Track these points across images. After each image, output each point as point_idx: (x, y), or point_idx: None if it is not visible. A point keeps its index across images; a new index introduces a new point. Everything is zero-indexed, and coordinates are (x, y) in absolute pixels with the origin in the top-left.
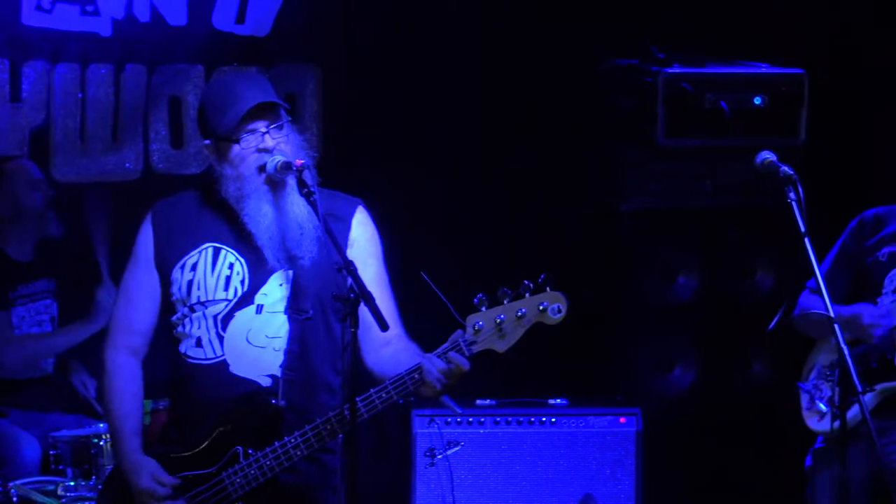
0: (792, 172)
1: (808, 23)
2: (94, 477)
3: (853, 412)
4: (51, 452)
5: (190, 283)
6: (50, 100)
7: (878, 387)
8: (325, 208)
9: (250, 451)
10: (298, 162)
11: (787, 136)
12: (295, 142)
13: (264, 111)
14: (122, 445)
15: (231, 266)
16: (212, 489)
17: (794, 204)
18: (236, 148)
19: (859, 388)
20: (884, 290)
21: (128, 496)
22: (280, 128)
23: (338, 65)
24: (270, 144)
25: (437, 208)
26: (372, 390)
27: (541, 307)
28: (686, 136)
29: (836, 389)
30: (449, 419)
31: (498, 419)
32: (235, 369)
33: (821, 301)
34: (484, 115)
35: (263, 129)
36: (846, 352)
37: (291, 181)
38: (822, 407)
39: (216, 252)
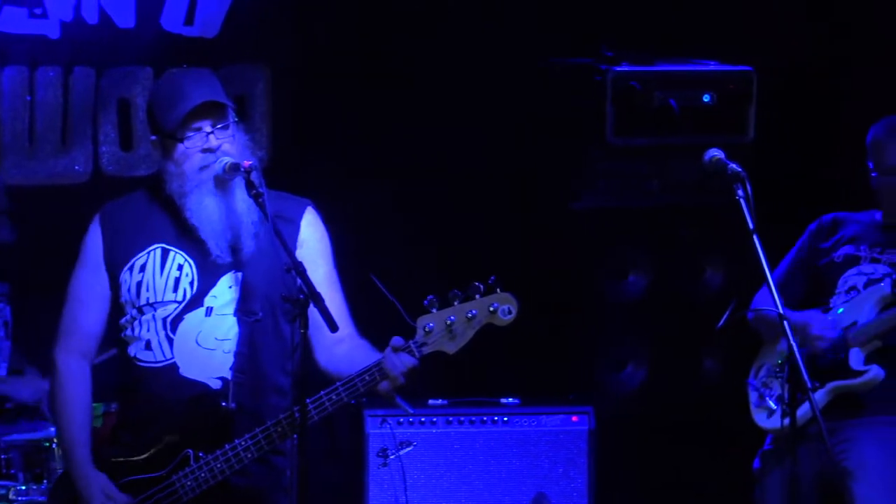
0: (740, 170)
1: (756, 20)
2: (45, 481)
3: (803, 410)
4: (1, 457)
5: (139, 284)
6: None
7: (829, 385)
8: (273, 210)
9: (201, 454)
10: (246, 163)
11: (736, 133)
12: (241, 142)
13: (210, 110)
14: (72, 456)
15: (180, 267)
16: (163, 492)
17: (742, 201)
18: (181, 146)
19: (809, 385)
20: (837, 291)
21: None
22: (226, 128)
23: (287, 65)
24: (215, 144)
25: (388, 209)
26: (322, 392)
27: (491, 308)
28: (635, 134)
29: (786, 387)
30: (401, 419)
31: (450, 419)
32: (185, 372)
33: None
34: (435, 115)
35: (208, 129)
36: (796, 349)
37: (239, 182)
38: (772, 404)
39: (165, 253)
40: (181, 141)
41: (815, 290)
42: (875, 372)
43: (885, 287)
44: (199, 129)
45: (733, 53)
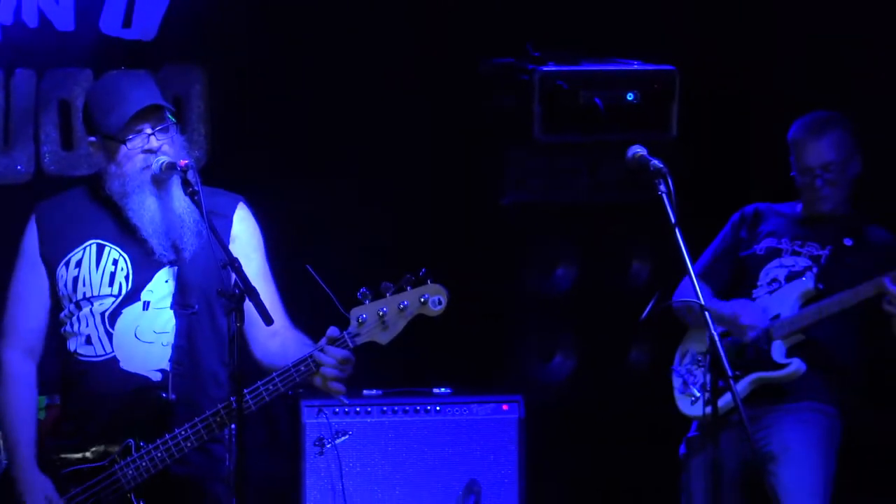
0: (662, 166)
1: (680, 20)
2: None
3: (725, 399)
4: None
5: (75, 279)
6: None
7: (752, 376)
8: (207, 206)
9: (142, 444)
10: (182, 162)
11: (660, 130)
12: (178, 142)
13: (150, 113)
14: (14, 456)
15: (115, 262)
16: (105, 481)
17: (664, 196)
18: (123, 148)
19: (730, 374)
20: (759, 283)
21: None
22: (165, 129)
23: (223, 66)
24: (155, 146)
25: (323, 204)
26: (259, 382)
27: (422, 299)
28: (562, 132)
29: (708, 375)
30: (337, 409)
31: (385, 408)
32: (125, 365)
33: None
34: (368, 113)
35: (149, 131)
36: (717, 338)
37: (176, 180)
38: (695, 392)
39: (100, 249)
40: (123, 143)
41: (737, 280)
42: (797, 365)
43: (807, 282)
44: (140, 132)
45: (656, 53)
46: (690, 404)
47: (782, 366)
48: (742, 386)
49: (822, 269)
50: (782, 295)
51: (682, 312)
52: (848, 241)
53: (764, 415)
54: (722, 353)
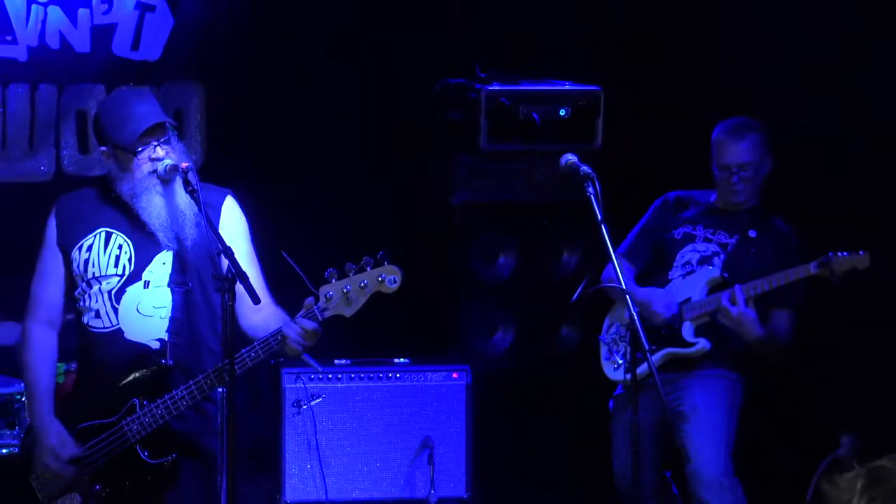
0: (590, 171)
1: (604, 49)
2: (17, 427)
3: (643, 368)
4: None
5: (86, 261)
6: None
7: (665, 350)
8: (202, 200)
9: (145, 403)
10: (184, 165)
11: (587, 141)
12: (178, 148)
13: (156, 129)
14: (34, 407)
15: (120, 247)
16: (114, 435)
17: (592, 197)
18: (133, 158)
19: (647, 347)
20: (675, 265)
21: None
22: (168, 141)
23: (218, 83)
24: (161, 155)
25: (300, 199)
26: (243, 350)
27: (380, 278)
28: (505, 142)
29: (629, 348)
30: (312, 376)
31: (353, 375)
32: (129, 335)
33: (623, 271)
34: (340, 124)
35: (155, 143)
36: (636, 318)
37: (178, 180)
38: (618, 360)
39: (108, 235)
40: (135, 154)
41: (656, 261)
42: (702, 344)
43: (714, 270)
44: (148, 143)
45: (584, 76)
46: (613, 370)
47: (691, 344)
48: (656, 357)
49: (729, 255)
50: (693, 280)
51: (607, 290)
52: (752, 233)
53: (676, 380)
54: (640, 329)
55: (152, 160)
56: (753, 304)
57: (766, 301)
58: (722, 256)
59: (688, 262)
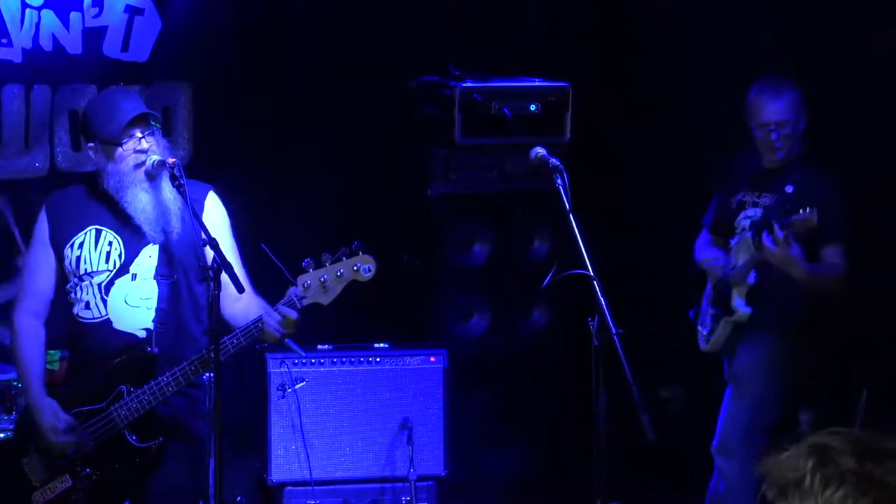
0: (559, 163)
1: (573, 47)
2: (13, 412)
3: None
4: None
5: (78, 258)
6: None
7: (722, 320)
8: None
9: (132, 389)
10: (171, 160)
11: (556, 135)
12: (163, 143)
13: (140, 121)
14: (28, 387)
15: (110, 244)
16: (103, 420)
17: (560, 188)
18: (119, 149)
19: (614, 331)
20: (735, 233)
21: (35, 428)
22: (152, 133)
23: (204, 82)
24: (145, 147)
25: (283, 194)
26: (226, 338)
27: (355, 267)
28: (478, 136)
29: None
30: (296, 361)
31: (335, 360)
32: (118, 325)
33: (703, 244)
34: (321, 119)
35: (139, 135)
36: (603, 304)
37: (165, 175)
38: (703, 331)
39: (98, 233)
40: (120, 145)
41: (727, 230)
42: (742, 310)
43: (746, 233)
44: (132, 136)
45: (554, 73)
46: (702, 342)
47: (735, 311)
48: (721, 326)
49: (765, 215)
50: (737, 246)
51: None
52: (789, 188)
53: (733, 347)
54: (607, 314)
55: (137, 152)
56: (798, 242)
57: (814, 240)
58: (756, 219)
59: (743, 229)
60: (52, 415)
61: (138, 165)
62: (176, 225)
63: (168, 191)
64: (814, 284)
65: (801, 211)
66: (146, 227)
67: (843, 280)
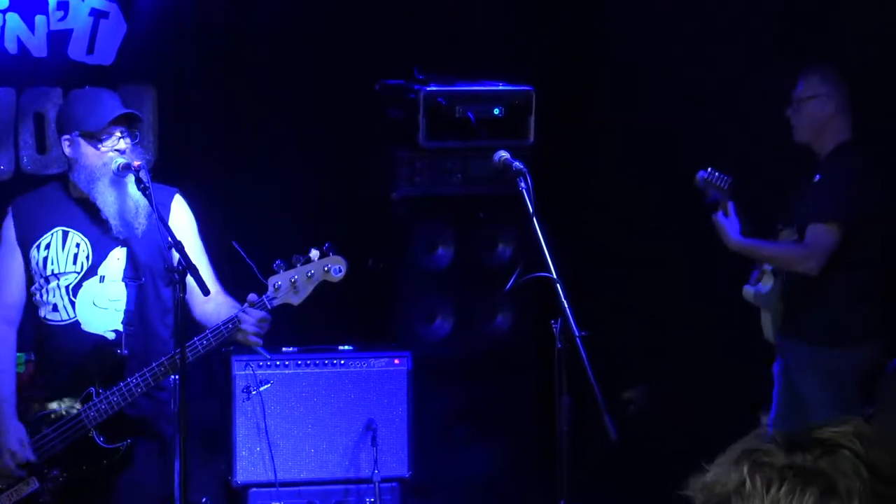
0: (522, 167)
1: (536, 52)
2: None
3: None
4: None
5: (45, 259)
6: None
7: None
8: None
9: (101, 391)
10: (136, 164)
11: (520, 138)
12: (139, 150)
13: (123, 120)
14: None
15: (78, 245)
16: (71, 421)
17: (524, 191)
18: (98, 144)
19: (577, 334)
20: None
21: None
22: (132, 136)
23: (169, 85)
24: (123, 147)
25: (248, 194)
26: (195, 338)
27: (325, 268)
28: (442, 139)
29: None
30: (261, 363)
31: (299, 362)
32: (86, 327)
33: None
34: (287, 123)
35: (119, 134)
36: (565, 305)
37: (130, 178)
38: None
39: (65, 234)
40: (100, 140)
41: None
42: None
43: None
44: (112, 134)
45: (517, 77)
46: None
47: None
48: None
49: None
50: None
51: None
52: (817, 177)
53: None
54: (571, 318)
55: (114, 151)
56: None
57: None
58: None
59: None
60: (17, 444)
61: (108, 164)
62: (141, 222)
63: (133, 191)
64: (762, 258)
65: (725, 177)
66: (112, 221)
67: (805, 258)
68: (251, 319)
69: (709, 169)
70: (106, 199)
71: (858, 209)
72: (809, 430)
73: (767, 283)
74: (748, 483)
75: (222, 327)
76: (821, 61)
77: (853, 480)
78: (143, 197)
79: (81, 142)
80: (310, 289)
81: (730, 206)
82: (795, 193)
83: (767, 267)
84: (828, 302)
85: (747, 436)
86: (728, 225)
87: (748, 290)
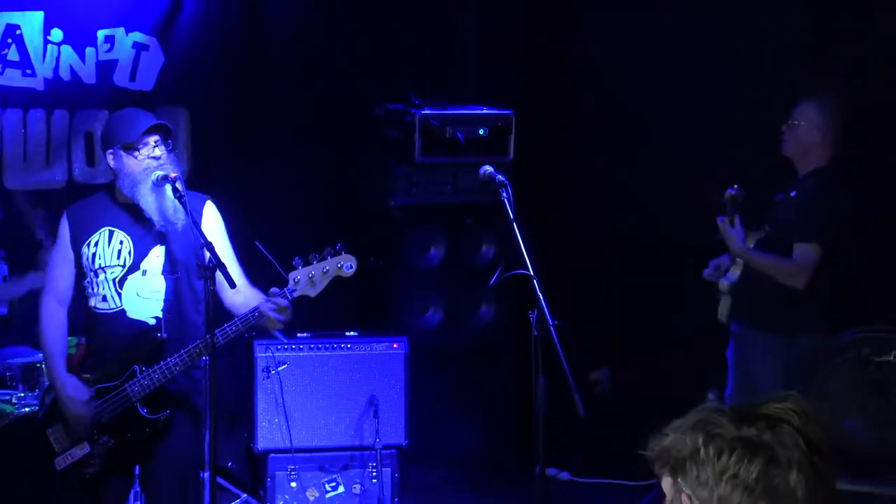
0: (504, 179)
1: (516, 80)
2: (37, 389)
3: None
4: (7, 374)
5: (94, 254)
6: (2, 134)
7: None
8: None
9: (144, 369)
10: (172, 175)
11: (501, 155)
12: (171, 157)
13: (156, 130)
14: (52, 367)
15: (121, 242)
16: (118, 395)
17: (505, 201)
18: (135, 153)
19: (551, 323)
20: None
21: (58, 401)
22: (166, 145)
23: (200, 108)
24: (158, 154)
25: (270, 201)
26: (225, 325)
27: (339, 265)
28: (435, 155)
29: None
30: (279, 346)
31: (312, 346)
32: (131, 314)
33: None
34: (301, 140)
35: (154, 143)
36: (541, 299)
37: (168, 187)
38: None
39: (111, 233)
40: (137, 149)
41: None
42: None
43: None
44: (147, 143)
45: (500, 102)
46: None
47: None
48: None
49: (773, 209)
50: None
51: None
52: (793, 193)
53: None
54: (546, 309)
55: (151, 158)
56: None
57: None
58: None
59: None
60: (72, 388)
61: (148, 169)
62: (180, 218)
63: (170, 197)
64: (758, 267)
65: (733, 188)
66: (155, 219)
67: (794, 274)
68: (273, 308)
69: (735, 186)
70: (147, 200)
71: (834, 228)
72: (755, 405)
73: (735, 273)
74: (702, 451)
75: (249, 315)
76: (821, 90)
77: (792, 452)
78: (178, 204)
79: (122, 154)
80: (325, 283)
81: (737, 218)
82: (769, 201)
83: (740, 260)
84: (785, 297)
85: (702, 405)
86: (735, 234)
87: (723, 282)
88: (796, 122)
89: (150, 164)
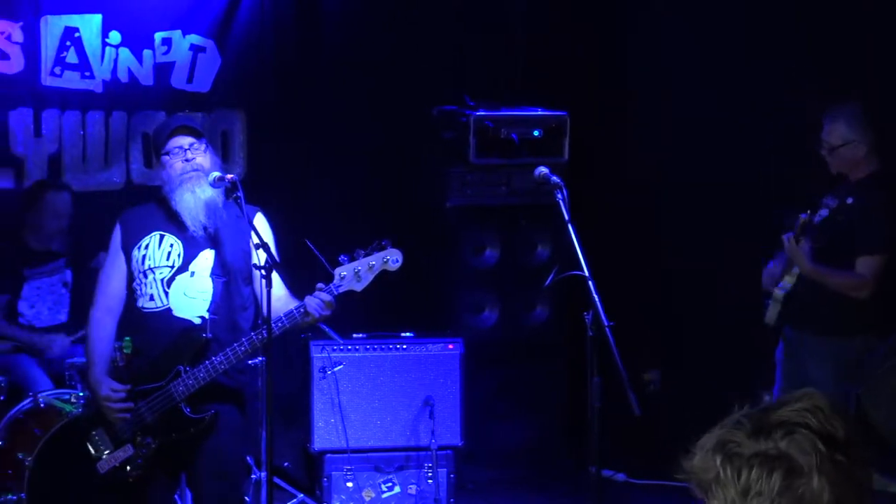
0: (559, 180)
1: (572, 82)
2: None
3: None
4: (67, 374)
5: (144, 256)
6: (61, 135)
7: None
8: (237, 213)
9: (188, 369)
10: (229, 176)
11: (556, 156)
12: (211, 155)
13: (182, 131)
14: (91, 369)
15: (171, 245)
16: (163, 395)
17: (560, 202)
18: (167, 157)
19: (606, 324)
20: None
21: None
22: (199, 146)
23: (256, 110)
24: (190, 157)
25: (323, 203)
26: (272, 319)
27: (384, 259)
28: (489, 156)
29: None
30: (335, 347)
31: (368, 346)
32: (177, 313)
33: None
34: (356, 142)
35: (186, 145)
36: (597, 301)
37: (220, 187)
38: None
39: (161, 237)
40: (167, 154)
41: None
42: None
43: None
44: (179, 146)
45: (555, 103)
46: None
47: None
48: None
49: (823, 218)
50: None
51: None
52: (850, 200)
53: None
54: (601, 310)
55: (184, 161)
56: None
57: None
58: (824, 214)
59: None
60: (107, 389)
61: (183, 172)
62: (215, 222)
63: (211, 198)
64: (826, 283)
65: (805, 213)
66: (188, 223)
67: (861, 287)
68: (317, 301)
69: (808, 212)
70: (183, 205)
71: (894, 236)
72: (771, 412)
73: (789, 283)
74: (721, 473)
75: (294, 311)
76: (842, 101)
77: (811, 457)
78: (215, 201)
79: (163, 160)
80: (371, 277)
81: (804, 239)
82: (818, 203)
83: (795, 269)
84: (842, 300)
85: (723, 421)
86: (804, 253)
87: (777, 291)
88: (834, 146)
89: (184, 167)
